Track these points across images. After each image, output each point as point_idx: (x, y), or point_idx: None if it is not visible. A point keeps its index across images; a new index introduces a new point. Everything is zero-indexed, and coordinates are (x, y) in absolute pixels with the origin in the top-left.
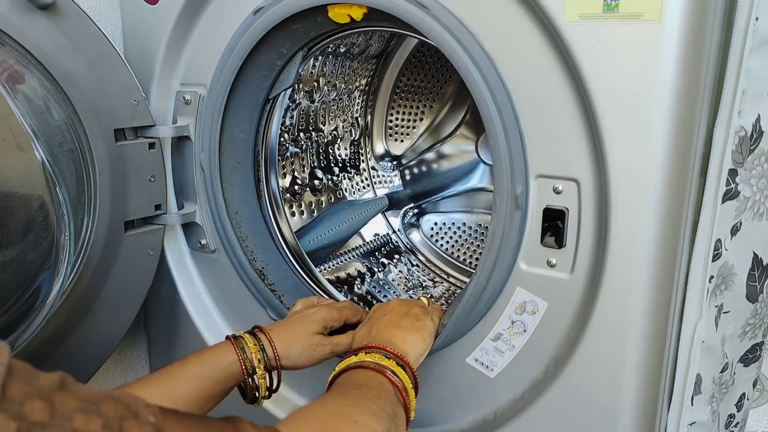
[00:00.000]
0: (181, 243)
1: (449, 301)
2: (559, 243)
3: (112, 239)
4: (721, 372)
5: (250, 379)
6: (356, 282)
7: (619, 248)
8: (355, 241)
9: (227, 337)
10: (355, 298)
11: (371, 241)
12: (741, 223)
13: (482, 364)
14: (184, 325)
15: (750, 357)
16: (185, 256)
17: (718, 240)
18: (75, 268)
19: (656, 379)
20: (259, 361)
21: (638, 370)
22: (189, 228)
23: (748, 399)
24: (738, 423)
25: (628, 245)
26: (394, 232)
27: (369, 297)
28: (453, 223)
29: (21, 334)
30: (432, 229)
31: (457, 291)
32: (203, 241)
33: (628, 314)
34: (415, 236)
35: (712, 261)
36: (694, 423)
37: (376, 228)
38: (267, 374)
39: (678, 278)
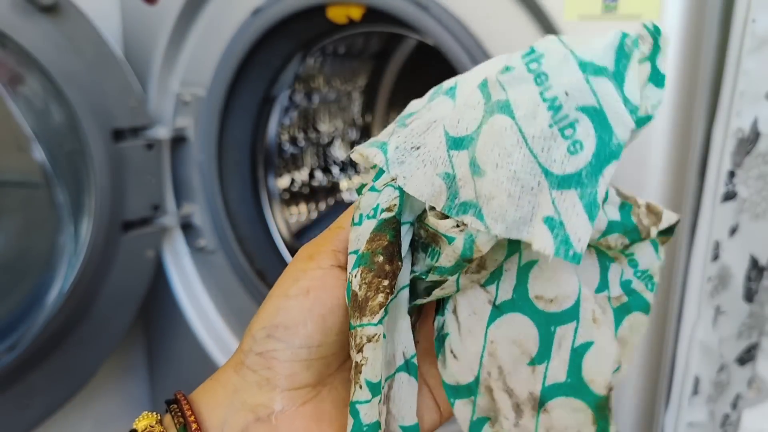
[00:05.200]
0: (179, 244)
1: None
2: None
3: (110, 240)
4: (718, 372)
5: None
6: None
7: None
8: None
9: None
10: None
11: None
12: (739, 225)
13: None
14: (183, 327)
15: (745, 357)
16: (184, 257)
17: (716, 241)
18: (74, 270)
19: (654, 379)
20: None
21: (637, 370)
22: (188, 229)
23: (742, 399)
24: (733, 422)
25: None
26: None
27: None
28: None
29: (22, 335)
30: None
31: None
32: (202, 242)
33: None
34: None
35: (711, 262)
36: (691, 423)
37: None
38: None
39: (676, 279)
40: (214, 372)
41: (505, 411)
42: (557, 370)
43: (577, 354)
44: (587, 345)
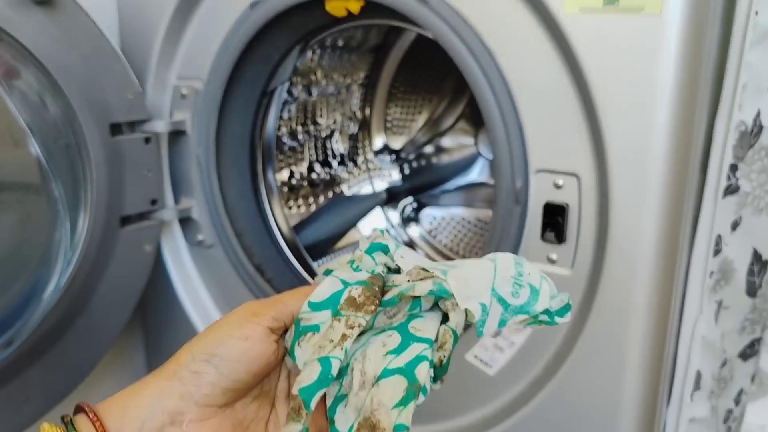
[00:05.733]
0: (178, 238)
1: None
2: (560, 239)
3: (108, 235)
4: (721, 367)
5: None
6: None
7: (620, 243)
8: (352, 236)
9: None
10: None
11: (370, 236)
12: (741, 218)
13: (482, 361)
14: (181, 321)
15: (748, 352)
16: (182, 251)
17: (719, 235)
18: (71, 265)
19: (656, 374)
20: None
21: (638, 365)
22: (186, 223)
23: (745, 394)
24: (736, 417)
25: (628, 240)
26: (392, 226)
27: None
28: (452, 218)
29: (19, 330)
30: (431, 223)
31: None
32: (200, 237)
33: (628, 310)
34: (414, 231)
35: (713, 256)
36: (693, 419)
37: (374, 222)
38: None
39: (678, 274)
40: None
41: (355, 386)
42: (401, 361)
43: (419, 358)
44: (426, 358)
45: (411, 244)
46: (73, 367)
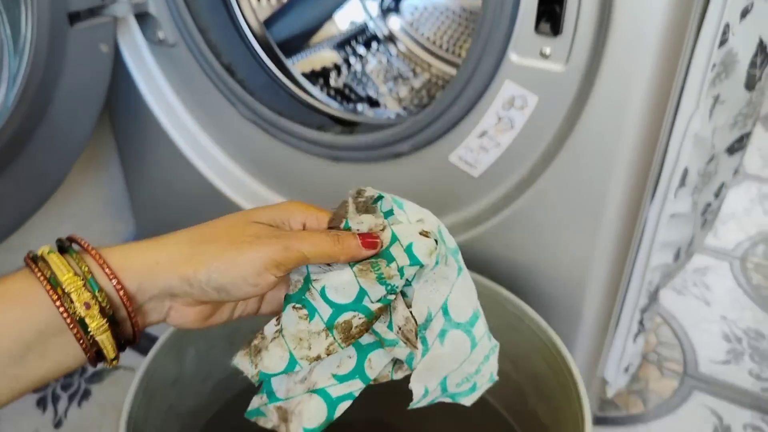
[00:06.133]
0: (137, 37)
1: (430, 93)
2: (555, 30)
3: (56, 35)
4: (707, 163)
5: (80, 332)
6: (332, 74)
7: (622, 34)
8: (329, 30)
9: (26, 260)
10: (332, 92)
11: (347, 30)
12: (752, 5)
13: (466, 162)
14: (150, 125)
15: (736, 146)
16: (144, 51)
17: (727, 24)
18: (20, 72)
19: (645, 172)
20: (86, 303)
21: (628, 163)
22: (143, 19)
23: (726, 187)
24: (714, 210)
25: (632, 31)
26: (371, 18)
27: (347, 90)
28: (435, 8)
29: None
30: (412, 14)
31: (439, 82)
32: (161, 35)
33: (623, 107)
34: (395, 23)
35: (718, 48)
36: (674, 214)
37: (351, 15)
38: (108, 325)
39: (681, 66)
40: (185, 168)
41: (299, 374)
42: (337, 391)
43: (348, 396)
44: (353, 397)
45: (392, 38)
46: (43, 177)
